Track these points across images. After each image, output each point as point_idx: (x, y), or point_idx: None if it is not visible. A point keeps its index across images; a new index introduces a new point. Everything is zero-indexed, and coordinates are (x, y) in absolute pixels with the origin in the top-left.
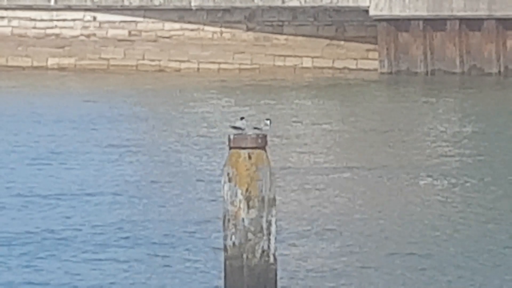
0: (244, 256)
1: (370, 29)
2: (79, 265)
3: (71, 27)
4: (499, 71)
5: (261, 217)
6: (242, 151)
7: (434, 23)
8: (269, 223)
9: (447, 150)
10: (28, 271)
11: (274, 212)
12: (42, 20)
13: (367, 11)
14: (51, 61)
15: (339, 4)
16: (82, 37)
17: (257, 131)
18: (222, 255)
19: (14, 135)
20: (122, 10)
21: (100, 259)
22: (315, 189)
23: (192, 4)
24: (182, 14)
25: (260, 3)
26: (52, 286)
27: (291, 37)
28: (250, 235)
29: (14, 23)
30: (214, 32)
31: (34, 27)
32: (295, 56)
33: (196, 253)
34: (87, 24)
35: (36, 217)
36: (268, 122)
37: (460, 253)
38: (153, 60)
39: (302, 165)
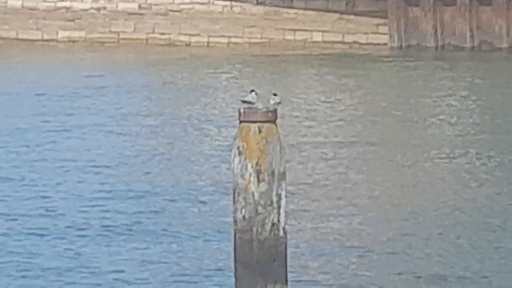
0: (254, 229)
1: (380, 3)
2: (91, 239)
3: (82, 0)
4: (510, 46)
5: (271, 190)
6: (253, 124)
7: None
8: (279, 197)
9: (457, 125)
10: (35, 247)
11: (284, 185)
12: None
13: None
14: (61, 34)
15: None
16: (93, 10)
17: (268, 105)
18: (232, 229)
19: (26, 108)
20: None
21: (111, 233)
22: (324, 163)
23: None
24: None
25: None
26: (53, 262)
27: (301, 11)
28: (260, 209)
29: None
30: (224, 6)
31: (45, 0)
32: (305, 30)
33: (206, 226)
34: None
35: (49, 190)
36: (276, 98)
37: (466, 229)
38: (163, 34)
39: (311, 139)
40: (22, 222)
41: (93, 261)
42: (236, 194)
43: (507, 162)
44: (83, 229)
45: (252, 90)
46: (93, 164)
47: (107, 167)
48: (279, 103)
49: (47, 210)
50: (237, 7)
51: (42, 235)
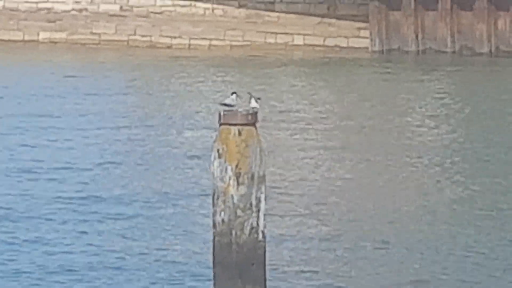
0: (233, 232)
1: (361, 7)
2: (70, 235)
3: (63, 2)
4: (490, 51)
5: (251, 193)
6: (233, 127)
7: (426, 2)
8: (258, 200)
9: (437, 129)
10: (26, 243)
11: (263, 189)
12: None
13: None
14: (43, 35)
15: None
16: (74, 12)
17: (247, 108)
18: (211, 231)
19: (2, 109)
20: None
21: (90, 231)
22: (304, 166)
23: None
24: None
25: None
26: (43, 255)
27: (282, 15)
28: (239, 212)
29: None
30: (205, 9)
31: (26, 1)
32: (287, 33)
33: (184, 229)
34: None
35: (28, 189)
36: (258, 100)
37: (450, 235)
38: (144, 36)
39: (292, 143)
40: None
41: (69, 265)
42: (216, 197)
43: (488, 167)
44: (58, 232)
45: (233, 92)
46: (69, 166)
47: (83, 169)
48: (255, 106)
49: (19, 212)
50: (219, 9)
51: (16, 238)
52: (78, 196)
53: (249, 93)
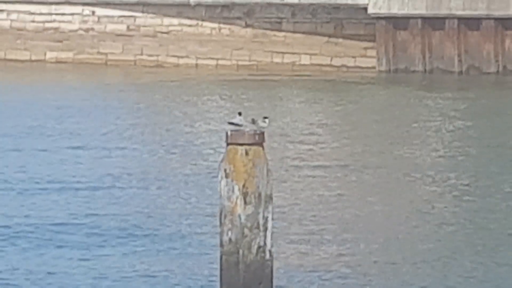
0: (240, 252)
1: (368, 27)
2: (74, 256)
3: (70, 21)
4: (498, 71)
5: (258, 213)
6: (240, 147)
7: (433, 22)
8: (265, 219)
9: (444, 149)
10: (23, 262)
11: (270, 208)
12: (41, 13)
13: (365, 9)
14: (50, 55)
15: (338, 1)
16: (81, 31)
17: (254, 127)
18: (218, 251)
19: (13, 127)
20: (121, 4)
21: (95, 252)
22: (311, 186)
23: (191, 0)
24: (181, 9)
25: (259, 0)
26: (41, 276)
27: (289, 34)
28: (246, 231)
29: (13, 16)
30: (212, 28)
31: (33, 21)
32: (293, 53)
33: (192, 248)
34: (85, 18)
35: (32, 209)
36: (266, 120)
37: (452, 249)
38: (151, 55)
39: (299, 163)
40: None
41: (72, 284)
42: (223, 217)
43: (496, 186)
44: (61, 249)
45: (239, 113)
46: (75, 186)
47: (90, 188)
48: (265, 127)
49: (26, 226)
50: (226, 29)
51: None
52: (82, 214)
53: (253, 119)
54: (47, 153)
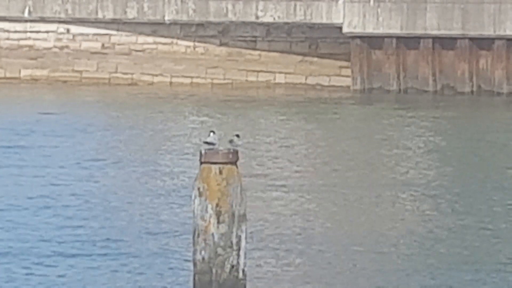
0: (214, 271)
1: (343, 46)
2: (46, 278)
3: (45, 39)
4: (472, 90)
5: (231, 232)
6: (213, 166)
7: (408, 41)
8: (239, 239)
9: (417, 168)
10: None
11: (244, 227)
12: (15, 31)
13: (340, 28)
14: (24, 73)
15: (313, 20)
16: (56, 49)
17: (228, 146)
18: (192, 270)
19: None
20: (96, 22)
21: (68, 271)
22: (285, 205)
23: (166, 18)
24: (156, 27)
25: (234, 18)
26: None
27: (264, 53)
28: (219, 250)
29: None
30: (187, 46)
31: (8, 38)
32: (268, 71)
33: (165, 267)
34: (60, 36)
35: (5, 230)
36: (237, 138)
37: (429, 266)
38: (126, 73)
39: (273, 181)
40: None
41: None
42: (196, 235)
43: (468, 204)
44: (42, 267)
45: (212, 131)
46: (47, 205)
47: (61, 206)
48: (238, 145)
49: None
50: (200, 47)
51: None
52: (57, 235)
53: (231, 140)
54: (19, 171)
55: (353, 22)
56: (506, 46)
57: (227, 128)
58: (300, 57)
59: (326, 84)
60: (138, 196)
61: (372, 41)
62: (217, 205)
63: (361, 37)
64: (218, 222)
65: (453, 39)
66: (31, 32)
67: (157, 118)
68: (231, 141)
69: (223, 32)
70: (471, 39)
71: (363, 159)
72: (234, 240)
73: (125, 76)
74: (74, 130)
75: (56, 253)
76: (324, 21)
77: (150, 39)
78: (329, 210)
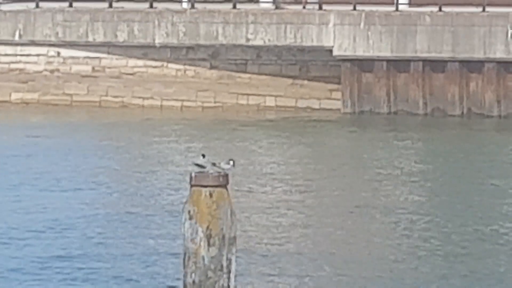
0: None
1: (333, 69)
2: None
3: (35, 62)
4: (462, 113)
5: (222, 255)
6: (204, 189)
7: (398, 64)
8: (229, 261)
9: (407, 190)
10: None
11: (234, 250)
12: (6, 54)
13: (331, 51)
14: (15, 96)
15: (303, 43)
16: (46, 72)
17: (219, 170)
18: None
19: None
20: (86, 46)
21: None
22: (275, 228)
23: (156, 41)
24: (146, 51)
25: (224, 41)
26: None
27: (254, 76)
28: (210, 273)
29: None
30: (177, 70)
31: None
32: (259, 95)
33: None
34: (51, 59)
35: None
36: (231, 162)
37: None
38: (116, 97)
39: (263, 204)
40: None
41: None
42: (187, 258)
43: (457, 227)
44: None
45: (203, 155)
46: (36, 227)
47: (49, 229)
48: (227, 169)
49: None
50: (191, 70)
51: None
52: (47, 256)
53: (213, 163)
54: (9, 193)
55: (343, 45)
56: (496, 68)
57: (218, 151)
58: (290, 80)
59: (317, 107)
60: (127, 219)
61: (363, 64)
62: (207, 228)
63: (352, 60)
64: (209, 245)
65: (443, 62)
66: (21, 55)
67: (147, 141)
68: (214, 164)
69: (213, 55)
70: (461, 62)
71: (352, 181)
72: (225, 263)
73: (115, 99)
74: (63, 153)
75: (47, 275)
76: (315, 44)
77: (140, 62)
78: (317, 231)
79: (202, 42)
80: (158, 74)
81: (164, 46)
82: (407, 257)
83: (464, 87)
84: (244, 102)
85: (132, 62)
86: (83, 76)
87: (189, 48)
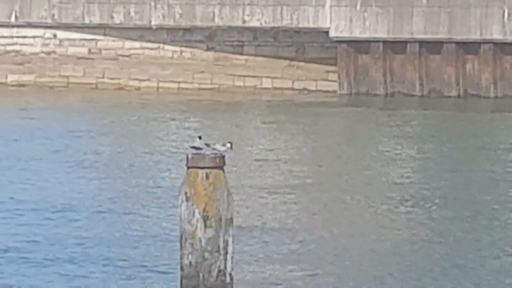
0: (201, 275)
1: (330, 50)
2: (31, 281)
3: (31, 44)
4: (459, 94)
5: (218, 237)
6: (200, 170)
7: (394, 46)
8: (226, 243)
9: (403, 171)
10: None
11: (231, 232)
12: (2, 36)
13: (327, 33)
14: (11, 78)
15: (300, 25)
16: (42, 54)
17: (217, 152)
18: (179, 274)
19: None
20: (83, 28)
21: (54, 275)
22: (272, 209)
23: (153, 23)
24: (142, 33)
25: (221, 23)
26: None
27: (251, 58)
28: (206, 255)
29: None
30: (174, 51)
31: None
32: (255, 76)
33: (152, 271)
34: (47, 41)
35: None
36: (228, 144)
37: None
38: (112, 79)
39: (259, 185)
40: None
41: None
42: (183, 240)
43: (454, 208)
44: (29, 276)
45: (199, 136)
46: (33, 210)
47: (47, 212)
48: (222, 150)
49: None
50: (187, 52)
51: None
52: (38, 239)
53: (206, 143)
54: (4, 174)
55: (340, 27)
56: (492, 50)
57: (214, 132)
58: (287, 62)
59: (313, 88)
60: (123, 201)
61: (359, 46)
62: (204, 209)
63: (348, 42)
64: (205, 227)
65: (440, 43)
66: (17, 37)
67: (143, 123)
68: (208, 145)
69: (210, 37)
70: (458, 43)
71: (349, 163)
72: (221, 245)
73: (112, 81)
74: (60, 135)
75: (42, 259)
76: (311, 25)
77: (137, 44)
78: (315, 212)
79: (198, 23)
80: (155, 56)
81: (160, 28)
82: (401, 232)
83: (461, 68)
84: (240, 84)
85: (128, 44)
86: (80, 58)
87: (186, 30)
